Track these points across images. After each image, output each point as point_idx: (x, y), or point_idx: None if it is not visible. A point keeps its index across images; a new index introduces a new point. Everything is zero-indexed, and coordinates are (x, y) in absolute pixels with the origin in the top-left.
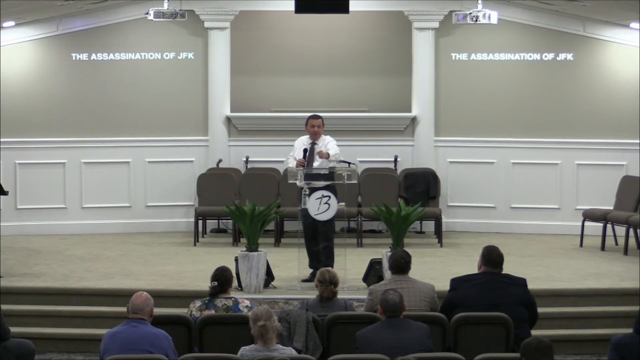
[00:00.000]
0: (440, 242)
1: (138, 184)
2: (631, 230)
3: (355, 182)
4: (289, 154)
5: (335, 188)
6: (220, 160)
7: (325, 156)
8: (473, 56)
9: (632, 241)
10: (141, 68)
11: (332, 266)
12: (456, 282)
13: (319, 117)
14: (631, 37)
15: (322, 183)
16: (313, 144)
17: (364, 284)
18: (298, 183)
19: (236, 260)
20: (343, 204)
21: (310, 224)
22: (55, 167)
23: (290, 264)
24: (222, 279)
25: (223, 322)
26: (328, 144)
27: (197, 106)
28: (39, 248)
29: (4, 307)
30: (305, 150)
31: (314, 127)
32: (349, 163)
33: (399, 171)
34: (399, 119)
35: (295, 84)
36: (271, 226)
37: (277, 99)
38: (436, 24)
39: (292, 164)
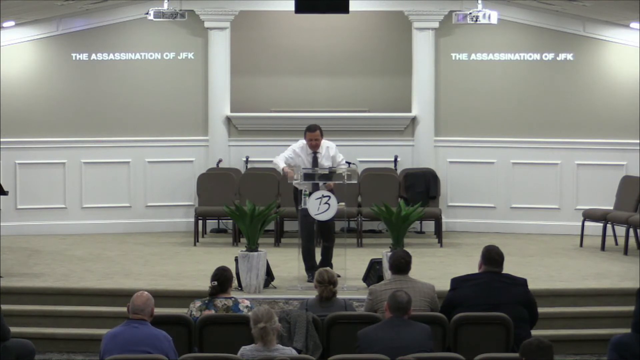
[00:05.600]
0: (440, 242)
1: (138, 184)
2: (631, 230)
3: (355, 182)
4: (282, 152)
5: (332, 191)
6: (220, 160)
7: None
8: (473, 56)
9: (632, 241)
10: (141, 68)
11: (331, 266)
12: (456, 282)
13: (316, 128)
14: (631, 37)
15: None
16: (315, 153)
17: (364, 284)
18: (296, 184)
19: (236, 260)
20: (343, 204)
21: (310, 224)
22: (55, 167)
23: (290, 264)
24: (222, 279)
25: (223, 322)
26: (334, 156)
27: (197, 106)
28: (39, 248)
29: (4, 307)
30: (314, 160)
31: (312, 140)
32: (349, 163)
33: (399, 171)
34: (399, 119)
35: (295, 84)
36: (271, 226)
37: (277, 99)
38: (436, 24)
39: (280, 163)
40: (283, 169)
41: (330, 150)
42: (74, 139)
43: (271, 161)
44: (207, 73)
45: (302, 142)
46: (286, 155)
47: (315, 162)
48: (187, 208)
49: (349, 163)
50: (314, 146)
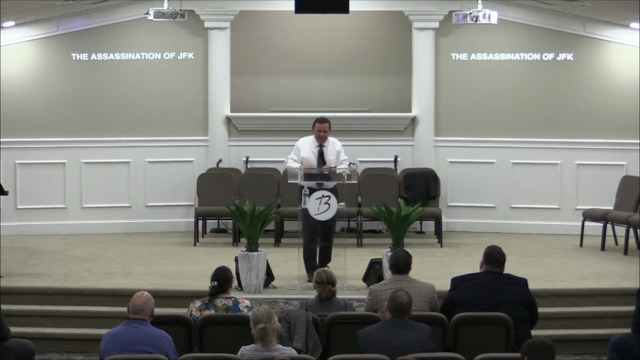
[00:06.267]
0: (440, 242)
1: (138, 184)
2: (631, 230)
3: (355, 182)
4: (288, 154)
5: (337, 191)
6: (220, 160)
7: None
8: (473, 56)
9: (632, 241)
10: (141, 68)
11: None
12: (456, 282)
13: (326, 120)
14: (631, 37)
15: (328, 185)
16: (321, 146)
17: (364, 284)
18: (300, 183)
19: (236, 260)
20: (343, 204)
21: (312, 223)
22: (55, 167)
23: (290, 264)
24: (222, 279)
25: (223, 322)
26: (339, 152)
27: (197, 106)
28: (39, 248)
29: (4, 307)
30: (320, 154)
31: (320, 131)
32: (350, 163)
33: (399, 171)
34: (399, 119)
35: (295, 84)
36: (271, 226)
37: (277, 99)
38: (436, 24)
39: (293, 165)
40: (300, 167)
41: (336, 146)
42: (74, 139)
43: (271, 161)
44: (207, 73)
45: (305, 138)
46: (292, 157)
47: (321, 155)
48: (187, 208)
49: (350, 164)
50: (322, 138)
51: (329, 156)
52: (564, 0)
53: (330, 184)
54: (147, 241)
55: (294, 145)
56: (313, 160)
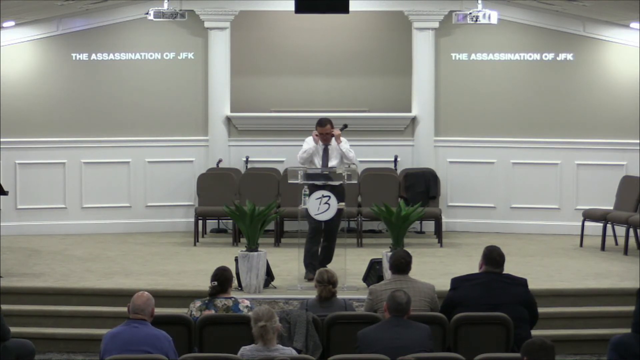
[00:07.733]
0: (440, 242)
1: (138, 184)
2: (631, 230)
3: (355, 182)
4: (298, 153)
5: (343, 190)
6: (220, 160)
7: (338, 138)
8: (473, 56)
9: (632, 241)
10: (141, 68)
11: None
12: (457, 282)
13: (325, 123)
14: (631, 37)
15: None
16: (326, 146)
17: (364, 284)
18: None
19: (236, 260)
20: (343, 204)
21: (318, 223)
22: (55, 167)
23: (290, 264)
24: (222, 279)
25: (223, 322)
26: (343, 145)
27: (197, 106)
28: (39, 248)
29: (4, 307)
30: (325, 149)
31: (322, 134)
32: (345, 125)
33: (399, 171)
34: (399, 119)
35: (295, 84)
36: (271, 226)
37: (277, 99)
38: (436, 24)
39: (307, 146)
40: (314, 139)
41: (343, 144)
42: (74, 139)
43: (271, 161)
44: (207, 73)
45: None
46: (305, 148)
47: (326, 154)
48: (187, 208)
49: (345, 125)
50: (326, 140)
51: (333, 152)
52: (564, 0)
53: (335, 183)
54: (147, 241)
55: (293, 146)
56: (319, 156)
